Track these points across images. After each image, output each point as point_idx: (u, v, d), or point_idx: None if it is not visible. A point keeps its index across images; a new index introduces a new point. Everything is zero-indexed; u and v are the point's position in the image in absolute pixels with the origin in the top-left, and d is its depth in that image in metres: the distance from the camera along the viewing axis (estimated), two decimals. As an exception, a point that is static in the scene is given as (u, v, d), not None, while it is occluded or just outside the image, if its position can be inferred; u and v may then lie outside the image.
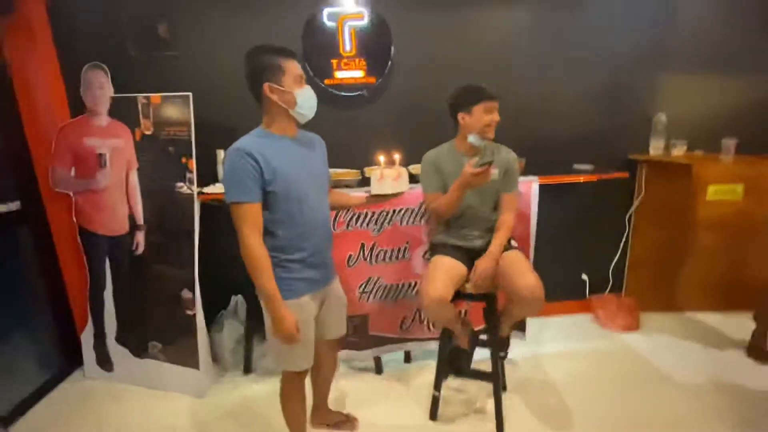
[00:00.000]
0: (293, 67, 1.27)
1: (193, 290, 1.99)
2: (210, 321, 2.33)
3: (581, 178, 2.33)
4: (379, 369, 2.22)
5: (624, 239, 2.68)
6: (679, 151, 2.35)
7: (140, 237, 2.05)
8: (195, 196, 1.93)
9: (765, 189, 2.08)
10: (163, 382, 2.13)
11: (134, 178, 2.01)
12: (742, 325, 2.38)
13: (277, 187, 1.24)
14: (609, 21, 2.39)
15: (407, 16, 2.30)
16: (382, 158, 1.60)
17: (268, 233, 1.28)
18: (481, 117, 1.64)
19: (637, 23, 2.40)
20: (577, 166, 2.46)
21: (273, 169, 1.23)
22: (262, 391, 2.10)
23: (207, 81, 2.25)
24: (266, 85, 1.24)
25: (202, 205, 2.02)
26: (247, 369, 2.25)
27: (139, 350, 2.17)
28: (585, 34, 2.41)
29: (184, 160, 1.92)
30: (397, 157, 1.62)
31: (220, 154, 2.23)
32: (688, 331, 2.53)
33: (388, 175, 1.49)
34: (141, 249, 2.07)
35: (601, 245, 2.71)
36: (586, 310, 2.74)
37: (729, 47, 2.44)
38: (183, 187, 1.93)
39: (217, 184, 2.11)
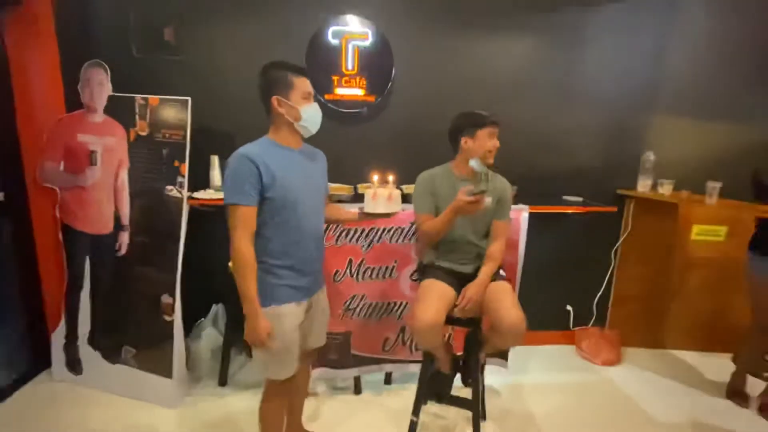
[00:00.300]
0: (303, 84, 1.33)
1: (173, 295, 1.95)
2: (188, 329, 2.27)
3: (570, 210, 2.36)
4: (358, 389, 2.18)
5: (609, 273, 2.70)
6: (665, 189, 2.40)
7: (124, 237, 2.01)
8: (184, 200, 1.90)
9: (746, 233, 2.13)
10: (134, 390, 2.05)
11: (124, 177, 1.99)
12: (722, 366, 2.40)
13: (274, 193, 1.28)
14: (605, 64, 2.49)
15: (410, 39, 2.36)
16: (376, 177, 1.61)
17: (262, 237, 1.32)
18: (485, 142, 1.67)
19: (630, 67, 2.50)
20: (566, 198, 2.50)
21: (272, 176, 1.27)
22: (237, 404, 2.03)
23: (208, 87, 2.27)
24: (275, 98, 1.31)
25: (192, 211, 2.00)
26: (223, 381, 2.18)
27: (112, 354, 2.10)
28: (582, 75, 2.50)
29: (176, 163, 1.91)
30: (391, 178, 1.64)
31: (215, 160, 2.22)
32: (669, 368, 2.53)
33: (381, 195, 1.50)
34: (124, 250, 2.02)
35: (587, 277, 2.73)
36: (570, 342, 2.74)
37: (715, 96, 2.55)
38: (173, 191, 1.91)
39: (209, 190, 2.10)
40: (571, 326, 2.76)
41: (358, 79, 2.33)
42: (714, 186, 2.15)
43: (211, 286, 2.33)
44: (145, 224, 2.00)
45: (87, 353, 2.13)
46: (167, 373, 2.00)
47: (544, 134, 2.53)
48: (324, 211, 1.52)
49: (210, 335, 2.28)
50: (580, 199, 2.49)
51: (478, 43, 2.42)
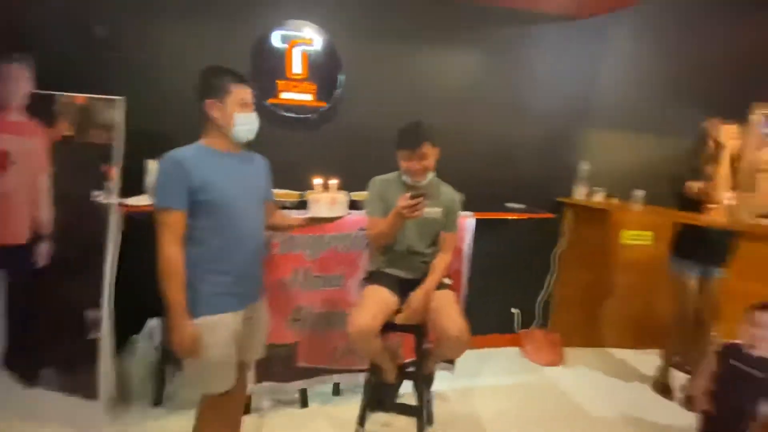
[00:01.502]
0: (240, 92, 1.32)
1: (100, 310, 1.80)
2: (120, 346, 2.11)
3: (513, 216, 2.46)
4: (304, 402, 2.11)
5: (550, 276, 2.84)
6: (598, 197, 2.57)
7: (43, 248, 1.83)
8: (113, 206, 1.77)
9: (668, 237, 2.33)
10: (55, 415, 1.85)
11: (44, 182, 1.82)
12: (652, 361, 2.58)
13: (206, 196, 1.25)
14: (545, 80, 2.64)
15: (359, 48, 2.37)
16: (318, 181, 1.59)
17: (194, 242, 1.28)
18: (402, 162, 1.69)
19: (567, 84, 2.68)
20: (509, 205, 2.61)
21: (202, 179, 1.25)
22: (172, 426, 1.90)
23: (145, 87, 2.14)
24: (208, 102, 1.29)
25: (126, 218, 1.87)
26: (158, 401, 2.04)
27: (29, 377, 1.89)
28: (524, 89, 2.63)
29: (105, 167, 1.77)
30: (333, 182, 1.62)
31: (151, 164, 2.09)
32: (605, 366, 2.69)
33: (324, 199, 1.49)
34: (43, 261, 1.84)
35: (530, 281, 2.85)
36: (516, 344, 2.83)
37: (639, 111, 2.78)
38: (100, 197, 1.78)
39: (142, 196, 1.97)
40: (516, 329, 2.86)
41: (306, 84, 2.30)
42: (639, 194, 2.33)
43: (147, 300, 2.16)
44: (68, 233, 1.83)
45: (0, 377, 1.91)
46: (93, 395, 1.83)
47: (489, 144, 2.63)
48: (265, 216, 1.48)
49: (144, 352, 2.12)
50: (522, 206, 2.61)
51: (427, 55, 2.48)
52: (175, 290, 1.23)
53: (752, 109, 1.59)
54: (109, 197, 1.78)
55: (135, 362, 2.08)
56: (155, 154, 2.09)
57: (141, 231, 2.09)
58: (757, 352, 1.39)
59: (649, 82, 2.76)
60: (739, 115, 1.74)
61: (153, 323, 2.21)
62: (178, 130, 2.05)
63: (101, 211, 1.79)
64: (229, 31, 2.22)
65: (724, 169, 2.00)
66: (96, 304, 1.80)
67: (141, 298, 2.20)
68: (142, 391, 2.07)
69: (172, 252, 1.23)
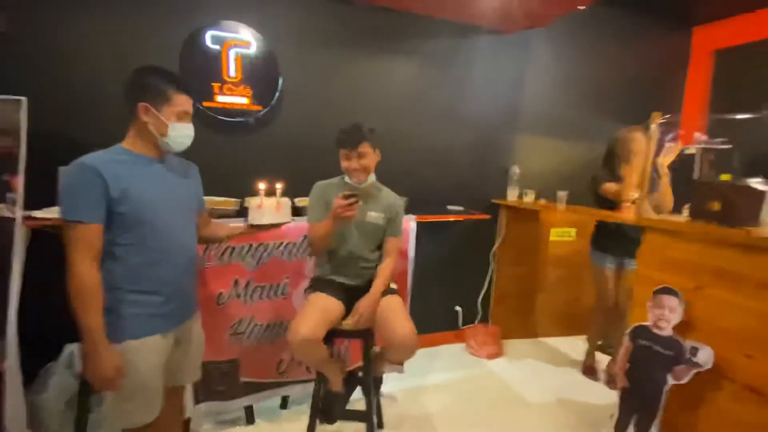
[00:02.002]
0: (182, 102, 1.23)
1: (3, 338, 1.58)
2: (32, 377, 1.86)
3: (452, 218, 2.57)
4: (250, 419, 2.02)
5: (489, 274, 3.00)
6: (529, 198, 2.77)
7: (-71, 271, 1.57)
8: (18, 220, 1.57)
9: (589, 233, 2.57)
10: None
11: (-72, 195, 1.56)
12: (580, 346, 2.82)
13: (126, 208, 1.14)
14: (478, 87, 2.79)
15: (298, 52, 2.34)
16: (262, 186, 1.54)
17: (114, 259, 1.17)
18: (343, 161, 1.71)
19: (499, 92, 2.85)
20: (449, 207, 2.71)
21: (123, 189, 1.14)
22: (97, 462, 1.72)
23: (52, 87, 1.93)
24: (142, 105, 1.18)
25: (32, 233, 1.66)
26: (79, 436, 1.82)
27: None
28: (459, 96, 2.76)
29: (7, 176, 1.57)
30: (279, 186, 1.58)
31: (63, 172, 1.88)
32: (540, 354, 2.89)
33: (268, 205, 1.44)
34: (-72, 287, 1.58)
35: (471, 279, 2.99)
36: (461, 340, 2.95)
37: (562, 118, 3.04)
38: (3, 210, 1.56)
39: (53, 208, 1.76)
40: (460, 325, 2.97)
41: (242, 87, 2.21)
42: (562, 194, 2.55)
43: (62, 323, 1.94)
44: (-38, 252, 1.59)
45: None
46: (-2, 436, 1.60)
47: (428, 149, 2.72)
48: (197, 228, 1.39)
49: (62, 382, 1.89)
50: (461, 208, 2.73)
51: (366, 62, 2.51)
52: (91, 313, 1.10)
53: (652, 118, 1.81)
54: (13, 210, 1.57)
55: (50, 394, 1.85)
56: (66, 160, 1.90)
57: (52, 247, 1.89)
58: (660, 331, 1.58)
59: (567, 92, 3.04)
60: (645, 120, 1.98)
61: (71, 349, 1.99)
62: (91, 134, 1.89)
63: (5, 226, 1.57)
64: (155, 25, 2.08)
65: (635, 173, 2.25)
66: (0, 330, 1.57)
67: (56, 321, 1.97)
68: (60, 427, 1.84)
69: (84, 271, 1.10)
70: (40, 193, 1.78)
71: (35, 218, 1.65)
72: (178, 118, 1.22)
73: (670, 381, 1.53)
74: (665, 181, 2.22)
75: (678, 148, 2.24)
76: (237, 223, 1.80)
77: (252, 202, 1.44)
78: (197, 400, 1.86)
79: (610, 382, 2.50)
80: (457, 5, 2.36)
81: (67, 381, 1.91)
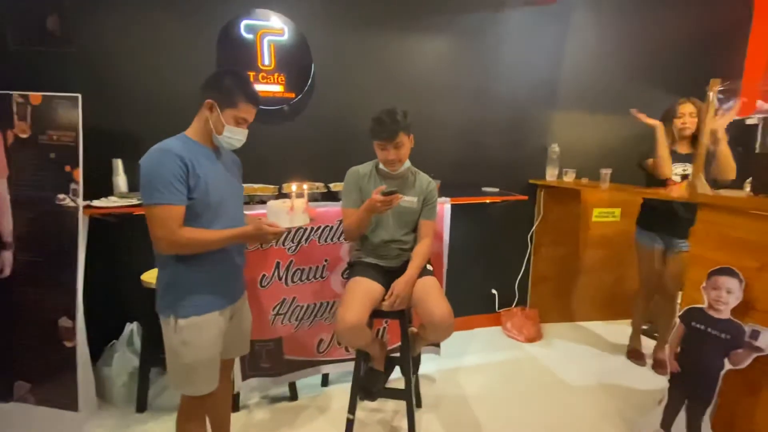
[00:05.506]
0: (246, 110, 1.28)
1: (74, 318, 1.73)
2: (98, 353, 2.04)
3: (488, 200, 2.52)
4: (294, 395, 2.12)
5: (527, 256, 2.93)
6: (569, 178, 2.66)
7: (7, 257, 1.74)
8: (80, 209, 1.70)
9: (635, 213, 2.44)
10: (34, 430, 1.79)
11: (2, 187, 1.72)
12: (622, 331, 2.72)
13: (199, 194, 1.21)
14: (514, 64, 2.68)
15: (329, 37, 2.34)
16: (294, 187, 1.48)
17: None
18: (378, 152, 1.70)
19: (536, 67, 2.73)
20: (484, 189, 2.66)
21: (197, 175, 1.20)
22: (158, 431, 1.87)
23: (104, 83, 2.04)
24: (209, 102, 1.24)
25: (92, 221, 1.79)
26: (141, 407, 1.99)
27: (2, 392, 1.81)
28: (494, 74, 2.66)
29: (68, 168, 1.69)
30: (305, 187, 1.51)
31: (118, 164, 2.01)
32: (580, 338, 2.81)
33: (298, 206, 1.38)
34: (8, 271, 1.75)
35: (508, 262, 2.93)
36: (497, 323, 2.92)
37: (605, 92, 2.87)
38: (65, 200, 1.70)
39: (111, 198, 1.89)
40: (496, 308, 2.95)
41: (276, 75, 2.25)
42: (606, 172, 2.42)
43: (123, 304, 2.11)
44: (33, 239, 1.75)
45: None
46: (73, 405, 1.77)
47: (463, 130, 2.66)
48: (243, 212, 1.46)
49: (124, 358, 2.07)
50: (496, 189, 2.67)
51: (396, 43, 2.47)
52: (217, 238, 1.22)
53: (710, 85, 1.66)
54: (75, 200, 1.70)
55: (114, 369, 2.02)
56: (119, 153, 2.03)
57: (110, 234, 2.04)
58: (716, 314, 1.49)
59: (612, 63, 2.85)
60: (699, 91, 1.82)
61: (131, 327, 2.15)
62: (144, 126, 1.99)
63: (68, 215, 1.71)
64: (191, 19, 2.14)
65: (660, 147, 2.11)
66: (69, 311, 1.73)
67: (117, 302, 2.15)
68: (124, 398, 2.02)
69: (183, 234, 1.17)
70: (97, 184, 1.92)
71: (96, 207, 1.78)
72: (236, 122, 1.27)
73: (727, 366, 1.45)
74: (723, 146, 1.96)
75: (736, 110, 2.04)
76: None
77: (269, 203, 1.38)
78: (245, 376, 1.97)
79: (657, 367, 2.41)
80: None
81: (128, 357, 2.08)
